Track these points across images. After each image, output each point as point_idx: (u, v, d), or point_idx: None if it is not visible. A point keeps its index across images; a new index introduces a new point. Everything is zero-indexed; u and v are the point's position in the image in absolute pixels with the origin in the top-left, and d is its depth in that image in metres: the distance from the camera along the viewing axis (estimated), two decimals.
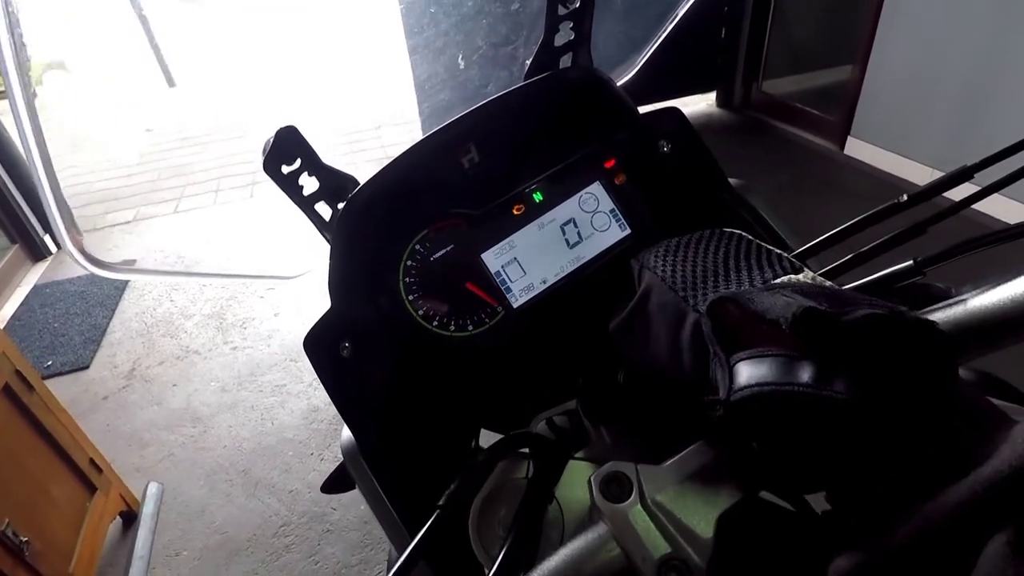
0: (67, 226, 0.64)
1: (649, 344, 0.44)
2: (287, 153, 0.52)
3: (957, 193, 0.50)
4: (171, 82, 6.86)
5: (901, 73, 3.11)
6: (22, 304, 3.02)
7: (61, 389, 2.35)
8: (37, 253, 3.44)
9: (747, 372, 0.33)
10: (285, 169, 0.53)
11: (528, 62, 0.64)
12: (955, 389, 0.29)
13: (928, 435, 0.27)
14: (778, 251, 0.43)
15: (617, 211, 0.63)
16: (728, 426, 0.35)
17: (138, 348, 2.64)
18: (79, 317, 2.85)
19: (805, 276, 0.39)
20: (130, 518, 1.89)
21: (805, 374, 0.30)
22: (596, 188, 0.63)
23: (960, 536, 0.24)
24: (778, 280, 0.38)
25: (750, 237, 0.45)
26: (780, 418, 0.32)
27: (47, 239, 3.42)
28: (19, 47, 0.66)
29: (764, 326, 0.34)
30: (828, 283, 0.38)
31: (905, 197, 0.49)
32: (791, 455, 0.33)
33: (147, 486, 1.99)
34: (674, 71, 3.82)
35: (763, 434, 0.34)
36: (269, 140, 0.51)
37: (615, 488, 0.37)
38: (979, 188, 0.50)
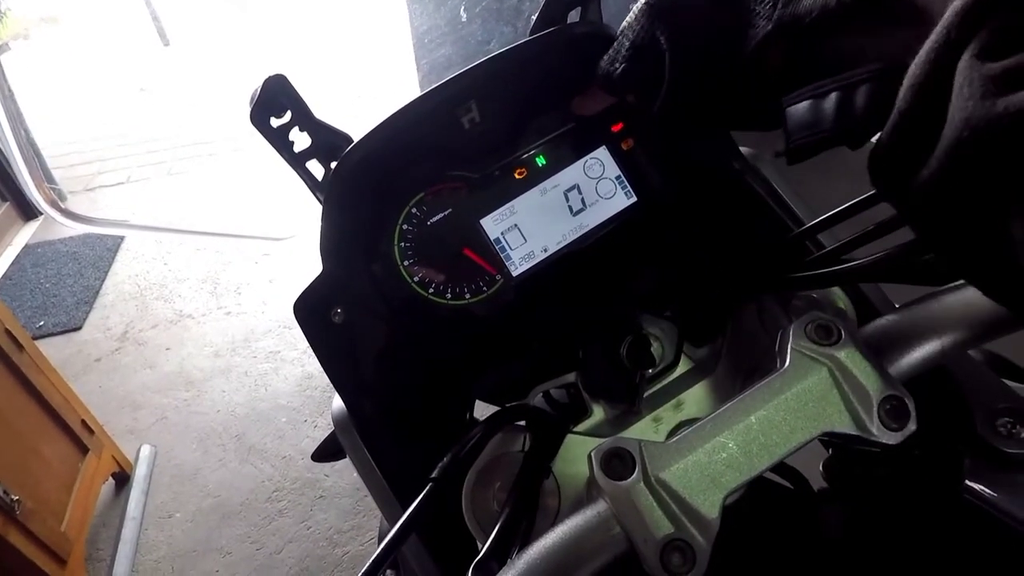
0: (34, 176, 0.61)
1: (708, 76, 0.42)
2: (276, 104, 0.49)
3: None
4: (166, 41, 6.70)
5: None
6: (13, 263, 2.99)
7: (53, 350, 2.33)
8: (29, 212, 3.37)
9: (795, 118, 0.36)
10: (274, 122, 0.50)
11: (534, 17, 0.61)
12: None
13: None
14: None
15: (623, 178, 0.60)
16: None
17: (131, 311, 2.61)
18: (71, 278, 2.82)
19: None
20: (123, 479, 1.90)
21: (829, 107, 0.34)
22: (602, 153, 0.60)
23: (940, 72, 0.26)
24: None
25: None
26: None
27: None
28: None
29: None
30: None
31: None
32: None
33: (140, 448, 1.99)
34: None
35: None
36: (256, 89, 0.47)
37: (617, 464, 0.36)
38: None
